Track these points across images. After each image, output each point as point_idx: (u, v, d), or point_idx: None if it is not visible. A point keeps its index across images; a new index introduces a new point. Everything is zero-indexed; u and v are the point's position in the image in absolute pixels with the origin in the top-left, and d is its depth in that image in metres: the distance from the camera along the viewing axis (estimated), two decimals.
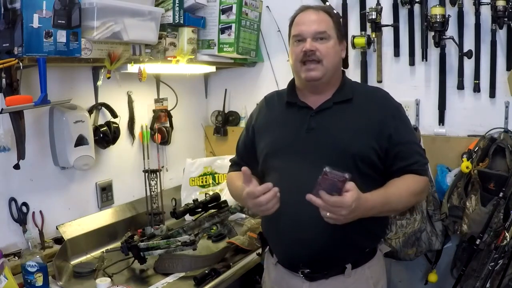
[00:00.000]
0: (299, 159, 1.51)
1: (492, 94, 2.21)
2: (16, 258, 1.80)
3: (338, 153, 1.47)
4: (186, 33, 2.27)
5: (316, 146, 1.50)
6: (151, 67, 2.12)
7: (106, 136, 2.17)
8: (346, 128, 1.50)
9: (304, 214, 1.45)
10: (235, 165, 1.77)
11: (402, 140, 1.51)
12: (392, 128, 1.50)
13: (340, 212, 1.28)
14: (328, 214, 1.29)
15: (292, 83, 1.65)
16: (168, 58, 2.19)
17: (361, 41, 2.35)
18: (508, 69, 2.16)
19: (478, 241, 2.03)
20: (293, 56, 1.54)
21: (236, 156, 1.79)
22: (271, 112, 1.65)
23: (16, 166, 1.76)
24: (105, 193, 2.27)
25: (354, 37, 2.37)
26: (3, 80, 1.63)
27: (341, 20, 1.61)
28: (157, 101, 2.55)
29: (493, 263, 1.92)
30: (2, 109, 1.61)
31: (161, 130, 2.51)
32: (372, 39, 2.36)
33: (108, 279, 1.73)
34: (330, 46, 1.50)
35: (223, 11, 2.38)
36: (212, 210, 2.11)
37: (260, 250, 2.00)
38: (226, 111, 2.89)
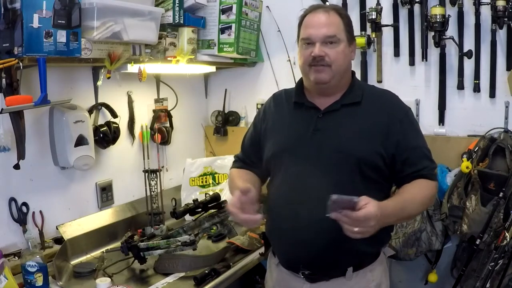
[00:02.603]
0: (303, 160, 1.50)
1: (492, 94, 2.21)
2: (16, 258, 1.79)
3: (343, 157, 1.46)
4: (186, 33, 2.27)
5: (321, 148, 1.49)
6: (151, 67, 2.12)
7: (106, 136, 2.16)
8: (352, 131, 1.49)
9: (305, 215, 1.45)
10: (239, 161, 1.75)
11: (410, 146, 1.49)
12: (400, 134, 1.48)
13: (369, 223, 1.25)
14: (356, 229, 1.26)
15: (300, 83, 1.62)
16: (168, 58, 2.19)
17: (361, 41, 2.35)
18: (508, 69, 2.17)
19: (478, 241, 2.03)
20: (301, 58, 1.52)
21: (241, 152, 1.77)
22: (279, 111, 1.64)
23: (16, 166, 1.76)
24: (105, 193, 2.27)
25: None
26: (3, 80, 1.63)
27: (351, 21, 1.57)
28: (157, 101, 2.55)
29: (493, 263, 1.92)
30: (2, 109, 1.61)
31: (161, 130, 2.50)
32: (372, 39, 2.37)
33: (108, 279, 1.73)
34: (339, 51, 1.47)
35: (223, 11, 2.38)
36: (212, 210, 2.11)
37: (263, 250, 2.01)
38: (226, 111, 2.89)
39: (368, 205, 1.25)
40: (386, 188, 1.51)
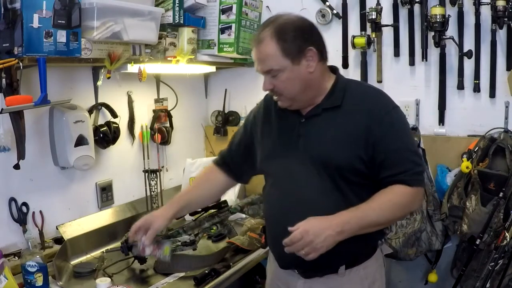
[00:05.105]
0: (289, 166, 1.51)
1: (492, 94, 2.21)
2: (16, 258, 1.79)
3: (324, 163, 1.45)
4: (186, 33, 2.27)
5: (304, 155, 1.48)
6: (151, 67, 2.12)
7: (106, 136, 2.16)
8: (331, 137, 1.47)
9: (292, 218, 1.42)
10: (220, 158, 1.77)
11: (389, 148, 1.43)
12: (378, 135, 1.43)
13: (307, 240, 1.32)
14: (303, 251, 1.34)
15: None
16: (168, 58, 2.19)
17: (361, 41, 2.35)
18: (508, 69, 2.17)
19: (478, 241, 2.03)
20: None
21: (227, 149, 1.77)
22: (266, 115, 1.64)
23: (16, 166, 1.76)
24: (105, 193, 2.27)
25: (354, 37, 2.37)
26: (3, 80, 1.63)
27: (306, 28, 1.45)
28: (157, 101, 2.55)
29: (493, 263, 1.92)
30: (2, 109, 1.61)
31: (161, 130, 2.50)
32: (372, 39, 2.37)
33: (108, 279, 1.73)
34: (283, 79, 1.43)
35: (223, 11, 2.38)
36: (212, 210, 2.10)
37: (263, 251, 2.03)
38: (226, 111, 2.89)
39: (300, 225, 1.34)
40: (376, 190, 1.47)
